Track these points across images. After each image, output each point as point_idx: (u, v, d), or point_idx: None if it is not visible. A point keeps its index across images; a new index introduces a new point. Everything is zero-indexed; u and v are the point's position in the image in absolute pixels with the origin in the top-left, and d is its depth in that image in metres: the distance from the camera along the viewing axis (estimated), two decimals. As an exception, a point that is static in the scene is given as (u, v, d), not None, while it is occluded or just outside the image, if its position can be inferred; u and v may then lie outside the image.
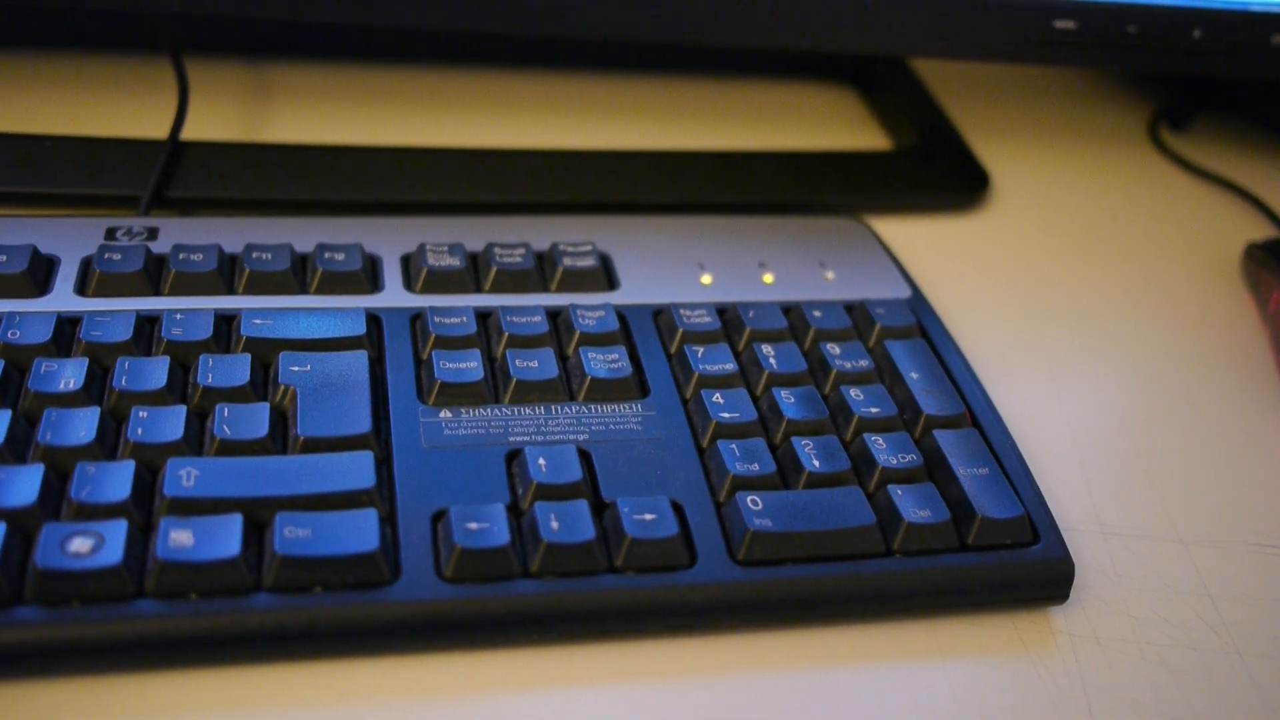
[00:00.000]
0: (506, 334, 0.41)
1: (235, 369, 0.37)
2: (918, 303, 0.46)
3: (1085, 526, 0.41)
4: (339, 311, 0.41)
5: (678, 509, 0.36)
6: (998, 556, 0.37)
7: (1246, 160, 0.63)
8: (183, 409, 0.36)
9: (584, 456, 0.37)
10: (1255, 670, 0.38)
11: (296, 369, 0.38)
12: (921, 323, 0.45)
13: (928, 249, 0.53)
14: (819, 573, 0.36)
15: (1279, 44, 0.53)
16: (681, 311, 0.43)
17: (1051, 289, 0.52)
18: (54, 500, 0.33)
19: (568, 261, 0.44)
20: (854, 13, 0.50)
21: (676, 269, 0.46)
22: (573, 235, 0.46)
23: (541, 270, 0.44)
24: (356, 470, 0.35)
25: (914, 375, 0.42)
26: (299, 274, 0.42)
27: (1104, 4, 0.52)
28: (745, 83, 0.62)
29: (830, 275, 0.47)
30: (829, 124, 0.60)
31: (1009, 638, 0.37)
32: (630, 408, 0.40)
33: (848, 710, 0.34)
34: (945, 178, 0.56)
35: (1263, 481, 0.44)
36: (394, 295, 0.42)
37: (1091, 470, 0.44)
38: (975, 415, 0.41)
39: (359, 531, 0.33)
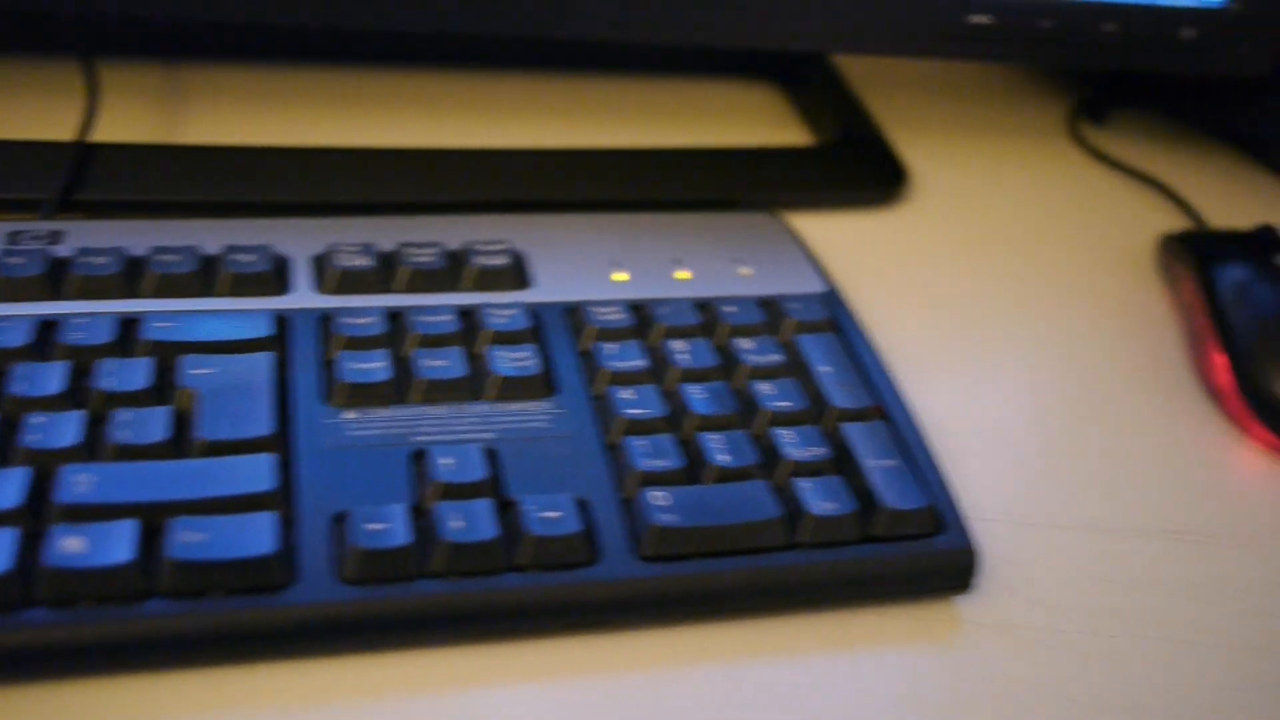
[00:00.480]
0: (415, 334, 0.41)
1: (135, 373, 0.37)
2: (832, 297, 0.46)
3: (997, 517, 0.42)
4: (245, 313, 0.40)
5: (584, 506, 0.36)
6: (903, 547, 0.37)
7: (1163, 153, 0.63)
8: (80, 414, 0.35)
9: (491, 455, 0.37)
10: (1161, 655, 0.38)
11: (199, 372, 0.38)
12: (835, 317, 0.45)
13: (846, 244, 0.53)
14: (724, 567, 0.36)
15: (1188, 37, 0.54)
16: (593, 309, 0.43)
17: (969, 282, 0.52)
18: (-56, 509, 0.32)
19: (480, 260, 0.44)
20: (770, 8, 0.51)
21: (591, 267, 0.46)
22: (487, 234, 0.46)
23: (454, 269, 0.44)
24: (255, 473, 0.35)
25: (825, 369, 0.42)
26: (206, 276, 0.42)
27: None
28: (668, 81, 0.62)
29: (746, 271, 0.47)
30: (751, 121, 0.60)
31: (915, 628, 0.38)
32: (539, 406, 0.40)
33: (751, 704, 0.35)
34: (864, 173, 0.56)
35: (1173, 469, 0.45)
36: (304, 297, 0.42)
37: (1006, 461, 0.44)
38: (886, 408, 0.42)
39: (255, 534, 0.33)
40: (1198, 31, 0.53)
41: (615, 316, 0.43)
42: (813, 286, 0.47)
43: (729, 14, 0.51)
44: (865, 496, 0.38)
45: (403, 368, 0.40)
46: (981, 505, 0.42)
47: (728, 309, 0.44)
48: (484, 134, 0.55)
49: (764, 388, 0.41)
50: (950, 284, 0.52)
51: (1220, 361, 0.47)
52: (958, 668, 0.37)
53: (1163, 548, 0.42)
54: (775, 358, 0.42)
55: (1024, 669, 0.37)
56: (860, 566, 0.37)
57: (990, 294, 0.52)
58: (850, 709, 0.35)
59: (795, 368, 0.42)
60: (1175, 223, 0.58)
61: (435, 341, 0.41)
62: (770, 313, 0.44)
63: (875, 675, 0.36)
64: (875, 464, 0.39)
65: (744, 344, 0.43)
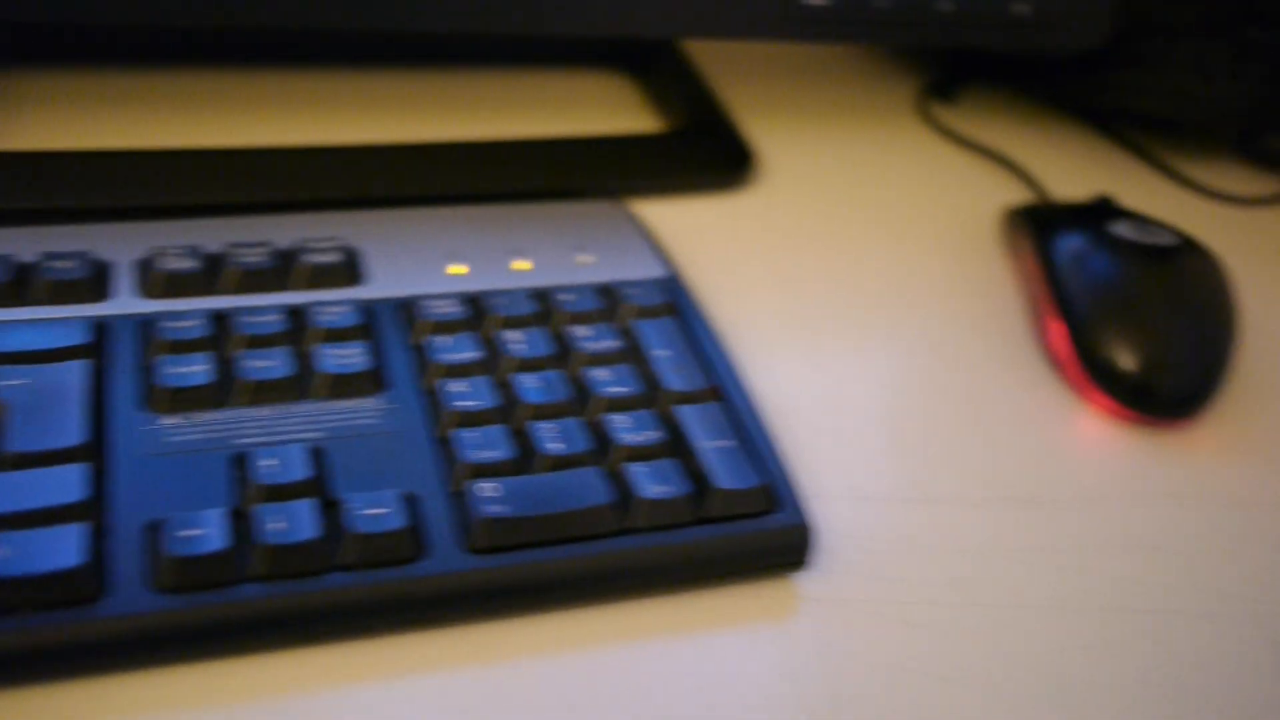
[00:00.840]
0: (240, 335, 0.40)
1: (-61, 386, 0.36)
2: (672, 282, 0.46)
3: (838, 494, 0.42)
4: (59, 321, 0.39)
5: (411, 501, 0.36)
6: (737, 527, 0.37)
7: (1012, 128, 0.64)
8: (-123, 431, 0.34)
9: (317, 455, 0.37)
10: (997, 621, 0.38)
11: (9, 383, 0.37)
12: (674, 301, 0.45)
13: (693, 229, 0.53)
14: (555, 556, 0.36)
15: (1022, 14, 0.54)
16: (427, 303, 0.43)
17: (816, 262, 0.53)
18: None
19: (310, 258, 0.43)
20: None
21: (428, 261, 0.45)
22: (322, 232, 0.46)
23: (284, 269, 0.43)
24: (64, 484, 0.34)
25: (662, 353, 0.42)
26: (20, 285, 0.40)
27: (853, -21, 0.52)
28: (517, 73, 0.62)
29: (586, 259, 0.47)
30: (600, 110, 0.60)
31: (752, 608, 0.38)
32: (369, 403, 0.39)
33: (588, 692, 0.34)
34: (711, 158, 0.56)
35: (1015, 438, 0.45)
36: (125, 302, 0.41)
37: (849, 438, 0.44)
38: (723, 389, 0.41)
39: (60, 547, 0.32)
40: (1032, 8, 0.54)
41: (449, 309, 0.42)
42: (653, 272, 0.46)
43: (565, 2, 0.50)
44: (699, 478, 0.38)
45: (226, 370, 0.39)
46: (822, 482, 0.42)
47: (565, 297, 0.44)
48: (326, 131, 0.54)
49: (599, 374, 0.41)
50: (797, 264, 0.52)
51: (1058, 330, 0.48)
52: (794, 644, 0.37)
53: (1002, 515, 0.42)
54: (612, 344, 0.42)
55: (860, 642, 0.37)
56: (695, 548, 0.37)
57: (837, 273, 0.52)
58: (687, 691, 0.35)
59: (632, 353, 0.42)
60: (1021, 197, 0.59)
61: (261, 342, 0.40)
62: (608, 299, 0.44)
63: (712, 656, 0.36)
64: (709, 445, 0.39)
65: (581, 331, 0.42)
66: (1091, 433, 0.46)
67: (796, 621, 0.37)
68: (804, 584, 0.39)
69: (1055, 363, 0.49)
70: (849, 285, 0.52)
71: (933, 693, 0.36)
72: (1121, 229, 0.49)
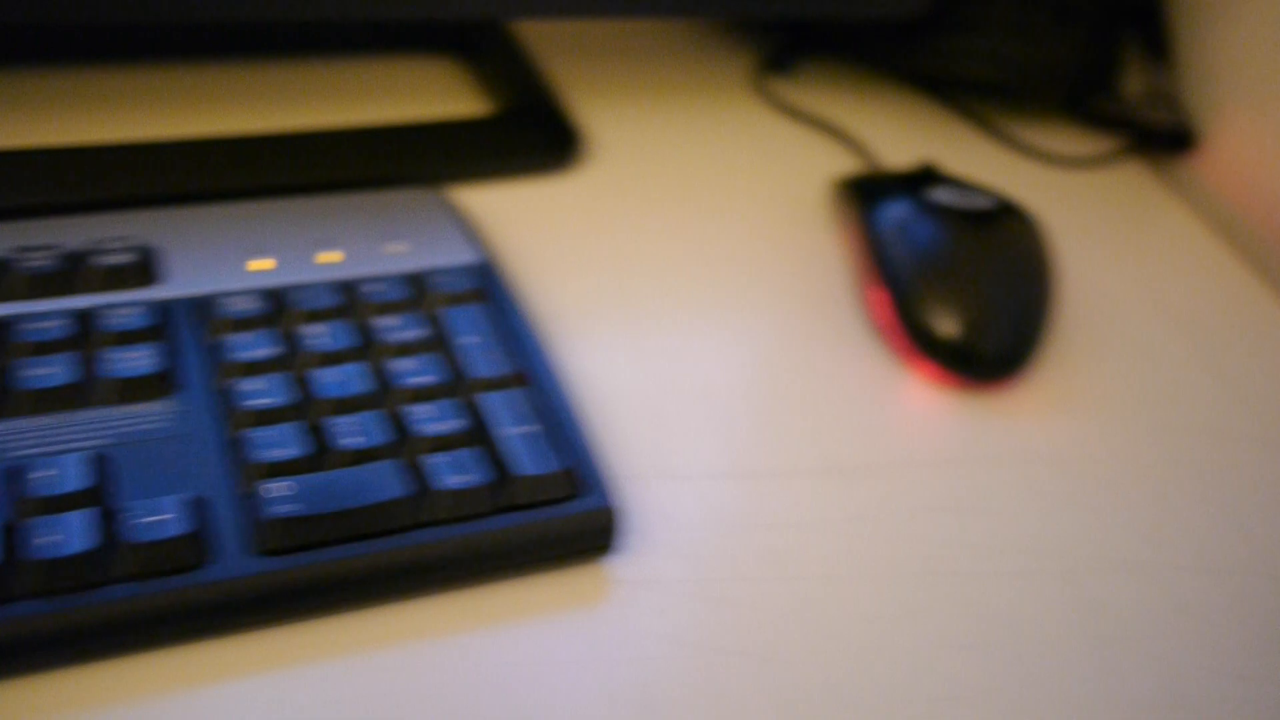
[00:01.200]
0: (22, 343, 0.38)
1: None
2: (485, 268, 0.45)
3: (653, 474, 0.41)
4: None
5: (199, 506, 0.35)
6: (540, 514, 0.37)
7: (847, 98, 0.64)
8: None
9: (100, 463, 0.35)
10: (812, 593, 0.38)
11: None
12: (486, 287, 0.44)
13: (518, 213, 0.52)
14: (348, 553, 0.35)
15: (838, -18, 0.54)
16: (225, 300, 0.41)
17: (643, 242, 0.52)
18: None
19: (101, 259, 0.42)
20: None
21: (230, 257, 0.44)
22: (120, 231, 0.44)
23: (72, 271, 0.42)
24: None
25: (469, 340, 0.41)
26: None
27: (662, -47, 0.52)
28: (342, 62, 0.60)
29: (397, 248, 0.46)
30: (425, 96, 0.59)
31: (560, 595, 0.37)
32: (160, 406, 0.38)
33: (384, 694, 0.33)
34: (536, 141, 0.56)
35: (836, 410, 0.45)
36: (-101, 315, 0.39)
37: (668, 418, 0.44)
38: (531, 374, 0.41)
39: None
40: (846, -25, 0.54)
41: (247, 305, 0.41)
42: (466, 258, 0.46)
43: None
44: (500, 466, 0.37)
45: (3, 380, 0.37)
46: (638, 463, 0.42)
47: (371, 287, 0.43)
48: (133, 128, 0.52)
49: (403, 365, 0.40)
50: (624, 245, 0.51)
51: (879, 298, 0.48)
52: (603, 630, 0.36)
53: (821, 487, 0.42)
54: (417, 333, 0.41)
55: (670, 624, 0.37)
56: (497, 538, 0.36)
57: (664, 252, 0.52)
58: (491, 686, 0.34)
59: (438, 342, 0.41)
60: (854, 167, 0.58)
61: (45, 349, 0.38)
62: (417, 288, 0.43)
63: (517, 648, 0.35)
64: (512, 432, 0.38)
65: (386, 322, 0.41)
66: (915, 399, 0.46)
67: (605, 607, 0.37)
68: (614, 568, 0.38)
69: (879, 331, 0.48)
70: (676, 264, 0.51)
71: (744, 670, 0.36)
72: (940, 195, 0.49)
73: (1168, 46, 0.63)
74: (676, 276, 0.50)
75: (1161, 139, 0.62)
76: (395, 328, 0.41)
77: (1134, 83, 0.65)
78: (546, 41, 0.64)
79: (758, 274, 0.51)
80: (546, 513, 0.37)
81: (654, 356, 0.46)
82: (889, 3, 0.56)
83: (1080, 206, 0.59)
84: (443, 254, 0.46)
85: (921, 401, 0.46)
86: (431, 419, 0.38)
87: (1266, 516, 0.44)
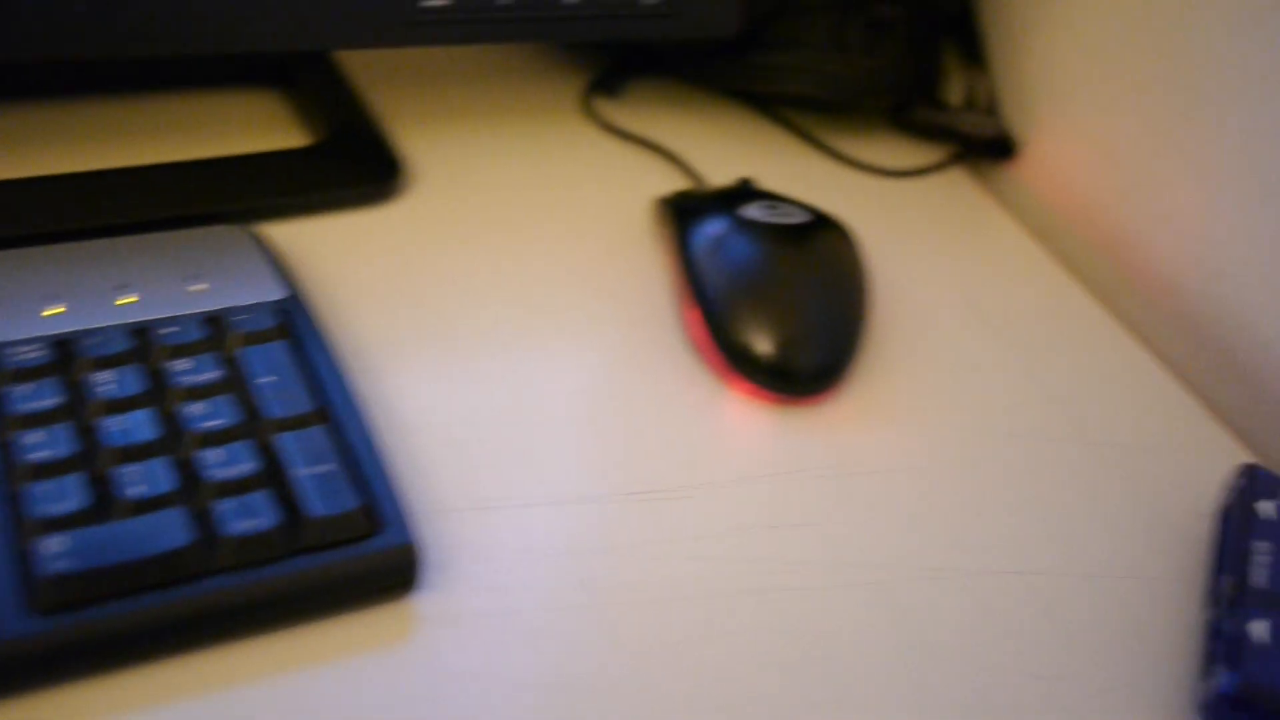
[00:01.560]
0: None
1: None
2: (289, 304, 0.44)
3: (462, 506, 0.41)
4: None
5: (-29, 566, 0.33)
6: (337, 554, 0.36)
7: (676, 118, 0.64)
8: None
9: None
10: (626, 619, 0.38)
11: None
12: (288, 324, 0.43)
13: (332, 247, 0.51)
14: (130, 607, 0.34)
15: (651, 4, 0.54)
16: (9, 350, 0.40)
17: (468, 269, 0.51)
18: None
19: (-126, 314, 0.40)
20: (218, 13, 0.48)
21: (19, 306, 0.43)
22: (-98, 283, 0.42)
23: None
24: None
25: (266, 379, 0.40)
26: None
27: (471, -21, 0.51)
28: (155, 98, 0.59)
29: (199, 288, 0.45)
30: (244, 129, 0.57)
31: (362, 636, 0.36)
32: (-66, 464, 0.36)
33: (164, 748, 0.32)
34: (355, 171, 0.55)
35: (654, 432, 0.45)
36: None
37: (480, 448, 0.43)
38: (333, 411, 0.40)
39: None
40: (657, -3, 0.54)
41: (32, 355, 0.40)
42: (270, 295, 0.45)
43: (175, 22, 0.48)
44: (293, 507, 0.36)
45: None
46: (449, 496, 0.41)
47: (167, 330, 0.42)
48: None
49: (195, 408, 0.39)
50: (446, 273, 0.51)
51: (693, 317, 0.48)
52: (407, 670, 0.36)
53: (636, 510, 0.42)
54: (213, 375, 0.40)
55: (478, 660, 0.36)
56: (293, 581, 0.35)
57: (488, 278, 0.51)
58: (278, 733, 0.33)
59: (234, 383, 0.40)
60: (680, 186, 0.58)
61: None
62: (214, 328, 0.42)
63: (315, 693, 0.34)
64: (306, 472, 0.37)
65: (181, 365, 0.40)
66: (732, 417, 0.46)
67: (409, 646, 0.36)
68: (419, 605, 0.37)
69: (697, 351, 0.48)
70: (499, 290, 0.51)
71: (553, 704, 0.35)
72: (753, 211, 0.50)
73: (984, 55, 0.64)
74: (498, 303, 0.50)
75: (983, 147, 0.63)
76: (189, 370, 0.40)
77: (956, 91, 0.66)
78: (372, 70, 0.63)
79: (580, 297, 0.51)
80: (344, 553, 0.36)
81: (472, 385, 0.46)
82: (700, 23, 0.56)
83: (904, 216, 0.60)
84: (246, 292, 0.45)
85: (739, 419, 0.46)
86: (221, 463, 0.37)
87: (1079, 517, 0.45)
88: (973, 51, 0.64)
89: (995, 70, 0.64)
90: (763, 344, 0.46)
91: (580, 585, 0.39)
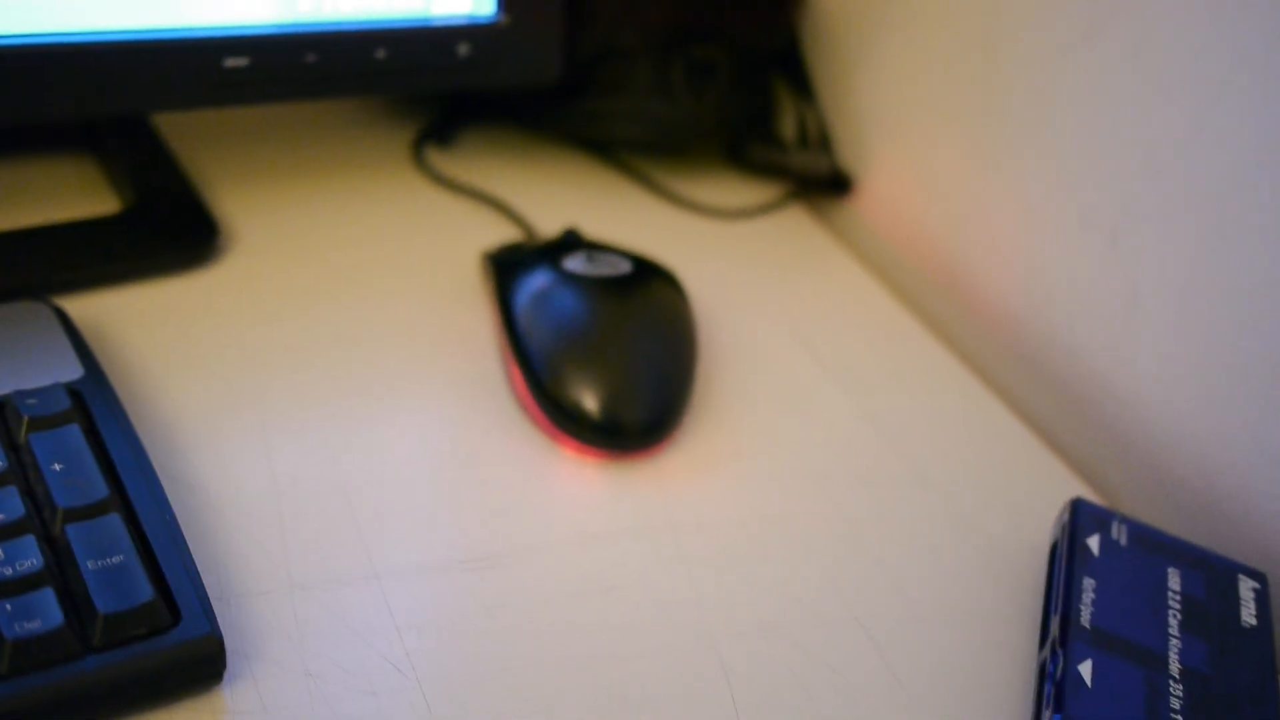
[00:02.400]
0: None
1: None
2: (85, 384, 0.42)
3: (273, 587, 0.39)
4: None
5: None
6: (133, 650, 0.34)
7: (510, 166, 0.63)
8: None
9: None
10: (433, 698, 0.36)
11: None
12: (81, 407, 0.41)
13: (145, 317, 0.49)
14: (-104, 725, 0.31)
15: (466, 55, 0.53)
16: None
17: (287, 336, 0.50)
18: None
19: None
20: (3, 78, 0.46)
21: None
22: None
23: None
24: None
25: (56, 467, 0.38)
26: None
27: (276, 36, 0.50)
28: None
29: (-6, 370, 0.42)
30: (52, 197, 0.55)
31: (159, 737, 0.34)
32: None
33: None
34: (170, 236, 0.53)
35: (478, 495, 0.44)
36: None
37: (294, 525, 0.41)
38: (128, 498, 0.38)
39: None
40: (473, 48, 0.53)
41: None
42: (66, 375, 0.42)
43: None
44: (81, 604, 0.34)
45: None
46: (261, 577, 0.39)
47: (-52, 420, 0.39)
48: None
49: (-23, 502, 0.36)
50: (264, 341, 0.49)
51: (516, 374, 0.47)
52: (204, 770, 0.33)
53: (458, 579, 0.40)
54: (-3, 465, 0.38)
55: (282, 752, 0.34)
56: (84, 683, 0.33)
57: (309, 345, 0.49)
58: None
59: (20, 473, 0.38)
60: (513, 236, 0.57)
61: None
62: (1, 416, 0.40)
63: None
64: (98, 564, 0.35)
65: (-38, 458, 0.38)
66: (562, 477, 0.45)
67: (210, 743, 0.34)
68: (228, 697, 0.36)
69: (524, 410, 0.47)
70: (320, 356, 0.49)
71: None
72: (575, 263, 0.49)
73: (813, 90, 0.64)
74: (319, 369, 0.48)
75: (819, 183, 0.63)
76: (-29, 461, 0.38)
77: (790, 125, 0.66)
78: (188, 130, 0.61)
79: (405, 359, 0.49)
80: (141, 648, 0.34)
81: (289, 456, 0.44)
82: (521, 72, 0.55)
83: (740, 257, 0.59)
84: (38, 373, 0.42)
85: (568, 478, 0.45)
86: (3, 561, 0.35)
87: (915, 560, 0.44)
88: (802, 86, 0.64)
89: (825, 105, 0.64)
90: (587, 401, 0.45)
91: (399, 664, 0.37)
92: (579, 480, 0.45)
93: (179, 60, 0.48)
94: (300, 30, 0.50)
